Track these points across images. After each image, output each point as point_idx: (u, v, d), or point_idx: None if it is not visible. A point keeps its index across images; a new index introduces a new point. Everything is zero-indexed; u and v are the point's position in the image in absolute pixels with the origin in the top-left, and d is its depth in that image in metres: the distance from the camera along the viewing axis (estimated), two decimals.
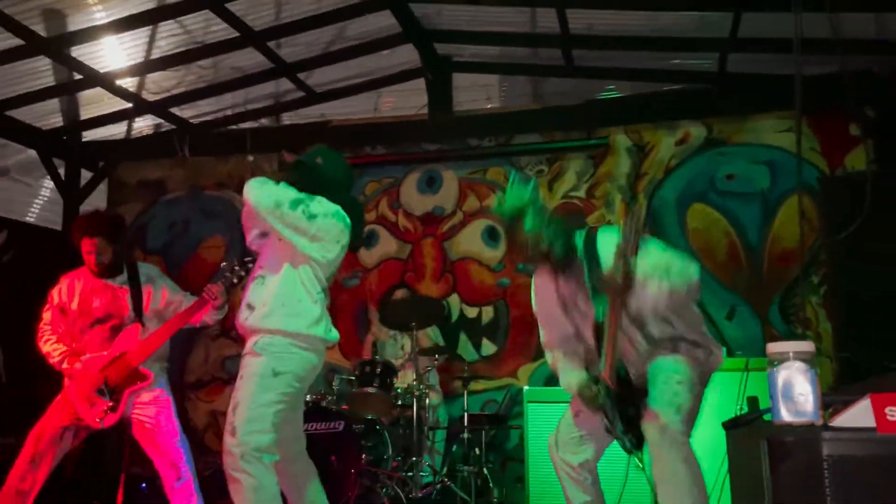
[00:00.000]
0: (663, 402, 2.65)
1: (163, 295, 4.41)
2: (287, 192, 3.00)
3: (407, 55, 6.09)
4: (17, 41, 5.17)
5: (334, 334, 3.09)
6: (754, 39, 5.50)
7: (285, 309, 2.95)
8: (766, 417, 2.21)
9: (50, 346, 4.38)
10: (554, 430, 2.99)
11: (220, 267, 3.92)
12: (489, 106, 6.61)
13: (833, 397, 1.90)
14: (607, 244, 2.76)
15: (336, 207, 3.10)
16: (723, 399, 4.02)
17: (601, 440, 2.89)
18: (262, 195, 2.99)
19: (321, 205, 3.03)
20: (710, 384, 3.70)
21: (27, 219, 6.77)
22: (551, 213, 2.94)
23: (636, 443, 2.76)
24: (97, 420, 4.20)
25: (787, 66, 5.73)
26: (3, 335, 5.96)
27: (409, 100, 6.48)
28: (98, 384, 4.23)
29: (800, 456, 1.71)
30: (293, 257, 3.01)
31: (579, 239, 2.90)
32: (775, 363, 1.86)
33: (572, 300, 2.92)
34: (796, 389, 1.81)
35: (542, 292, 3.07)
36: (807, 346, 1.86)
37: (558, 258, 2.86)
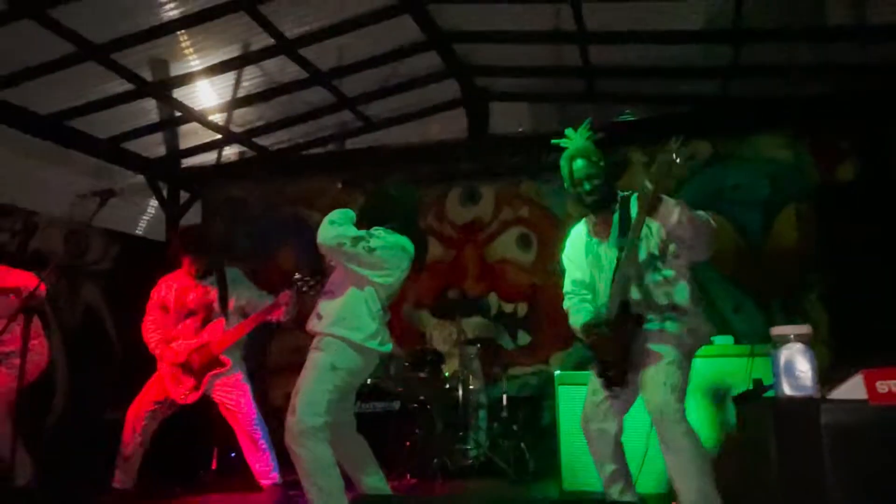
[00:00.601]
0: (656, 383, 2.58)
1: (244, 295, 4.51)
2: (348, 231, 2.98)
3: (450, 88, 6.12)
4: (130, 86, 5.30)
5: (387, 347, 3.10)
6: (753, 66, 5.42)
7: (346, 322, 2.98)
8: (770, 394, 2.17)
9: (149, 336, 4.52)
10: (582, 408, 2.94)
11: (294, 277, 3.86)
12: (520, 129, 6.59)
13: (829, 374, 1.85)
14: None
15: (396, 238, 3.08)
16: (732, 380, 3.98)
17: (620, 414, 2.82)
18: (327, 235, 2.98)
19: (380, 238, 3.03)
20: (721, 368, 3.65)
21: (136, 232, 6.94)
22: (602, 162, 2.85)
23: (619, 382, 2.68)
24: (182, 396, 4.31)
25: (782, 89, 5.67)
26: (119, 327, 6.12)
27: (452, 125, 6.49)
28: (184, 366, 4.34)
29: (801, 424, 1.68)
30: (358, 280, 3.03)
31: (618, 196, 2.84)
32: (778, 344, 1.83)
33: (595, 252, 2.87)
34: (797, 367, 1.78)
35: (574, 240, 3.02)
36: (805, 328, 1.83)
37: (596, 200, 2.82)
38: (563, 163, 2.88)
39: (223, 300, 4.44)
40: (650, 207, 2.54)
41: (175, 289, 4.53)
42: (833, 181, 5.63)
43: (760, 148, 5.88)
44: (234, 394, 4.38)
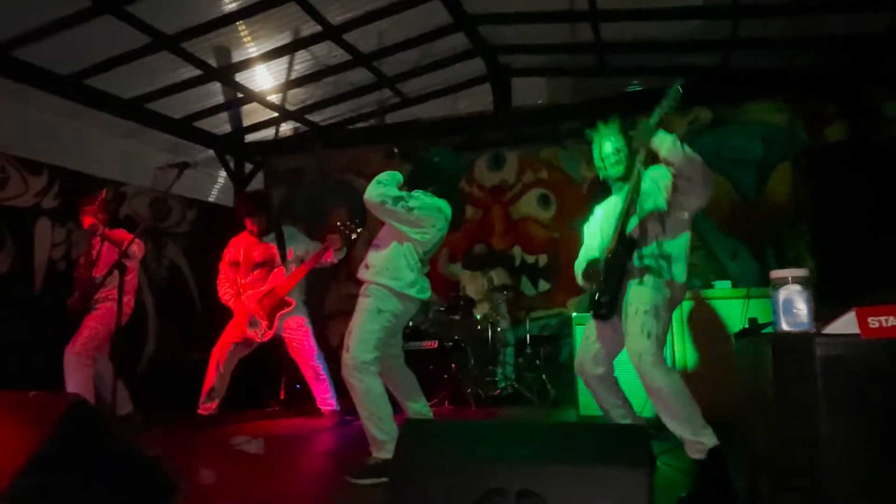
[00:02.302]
0: (635, 332, 2.49)
1: (301, 246, 4.57)
2: (391, 191, 2.94)
3: (476, 66, 5.98)
4: (198, 72, 5.30)
5: (425, 294, 3.06)
6: (750, 39, 5.19)
7: (389, 272, 2.96)
8: (767, 331, 2.11)
9: (223, 291, 4.61)
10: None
11: (337, 224, 4.10)
12: (539, 101, 6.46)
13: (823, 311, 1.78)
14: (651, 174, 2.66)
15: (434, 200, 3.03)
16: (730, 320, 3.92)
17: (609, 358, 2.76)
18: (372, 193, 2.94)
19: (419, 199, 2.98)
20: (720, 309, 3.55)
21: (209, 199, 7.01)
22: (627, 149, 2.73)
23: (609, 306, 2.61)
24: (259, 335, 4.40)
25: (777, 61, 5.44)
26: (198, 280, 6.24)
27: (479, 99, 6.38)
28: (256, 311, 4.43)
29: (798, 357, 1.62)
30: (399, 236, 3.00)
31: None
32: (777, 286, 1.76)
33: (609, 219, 2.79)
34: (794, 305, 1.71)
35: (595, 215, 2.97)
36: (803, 271, 1.75)
37: (619, 178, 2.75)
38: (594, 147, 2.80)
39: (282, 252, 4.51)
40: (645, 137, 2.48)
41: (243, 247, 4.59)
42: (821, 142, 5.44)
43: (756, 113, 5.70)
44: (299, 332, 4.50)
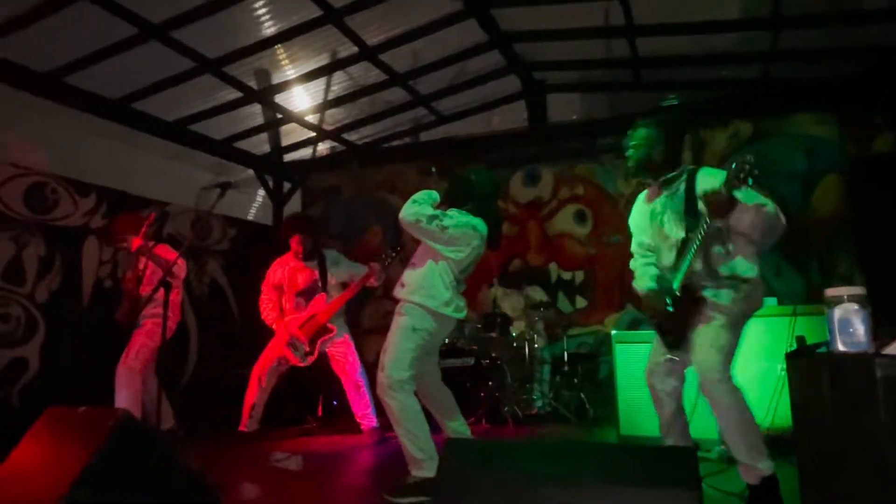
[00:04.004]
0: (704, 345, 2.41)
1: (342, 271, 4.64)
2: (425, 209, 2.95)
3: (511, 83, 5.98)
4: (239, 94, 5.42)
5: (460, 314, 3.04)
6: (791, 50, 5.08)
7: (424, 291, 2.96)
8: (821, 350, 2.03)
9: (266, 313, 4.69)
10: (646, 362, 2.77)
11: (380, 251, 4.31)
12: (574, 117, 6.41)
13: (880, 330, 1.71)
14: (706, 180, 2.52)
15: (469, 219, 3.02)
16: (775, 338, 3.79)
17: (681, 370, 2.66)
18: (407, 213, 2.96)
19: (453, 218, 2.98)
20: (764, 327, 3.45)
21: (248, 217, 7.14)
22: (662, 147, 2.65)
23: (679, 345, 2.53)
24: (300, 361, 4.47)
25: (820, 71, 5.31)
26: (237, 296, 6.33)
27: (514, 116, 6.36)
28: (297, 336, 4.49)
29: (856, 378, 1.55)
30: (434, 254, 3.00)
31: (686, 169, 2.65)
32: (832, 304, 1.69)
33: (659, 219, 2.68)
34: (851, 324, 1.65)
35: (640, 207, 2.84)
36: (859, 289, 1.68)
37: (664, 181, 2.64)
38: (630, 152, 2.71)
39: (324, 279, 4.58)
40: (722, 210, 2.32)
41: (287, 272, 4.68)
42: (868, 153, 5.28)
43: (799, 125, 5.56)
44: (342, 348, 4.58)
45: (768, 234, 2.36)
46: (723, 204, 2.30)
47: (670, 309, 2.56)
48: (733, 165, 2.19)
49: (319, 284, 4.59)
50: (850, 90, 5.32)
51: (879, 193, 4.84)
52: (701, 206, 2.46)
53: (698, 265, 2.51)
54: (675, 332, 2.54)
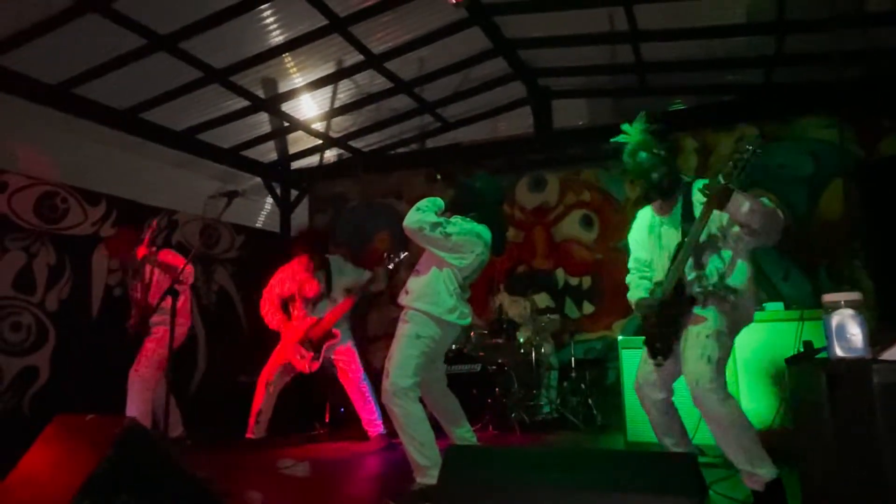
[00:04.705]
0: (694, 356, 2.40)
1: (346, 278, 4.69)
2: (428, 217, 2.97)
3: (516, 89, 6.02)
4: (246, 103, 5.48)
5: (465, 321, 3.05)
6: (796, 55, 5.08)
7: (427, 298, 2.98)
8: (822, 355, 2.03)
9: (270, 314, 4.73)
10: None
11: (383, 256, 4.34)
12: (580, 123, 6.43)
13: (875, 337, 1.71)
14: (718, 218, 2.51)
15: (472, 226, 3.04)
16: (783, 343, 3.78)
17: (669, 382, 2.65)
18: (410, 220, 2.97)
19: (456, 225, 3.00)
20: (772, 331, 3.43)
21: (256, 225, 7.20)
22: (663, 151, 2.61)
23: (665, 353, 2.53)
24: (306, 367, 4.50)
25: (825, 74, 5.29)
26: (245, 304, 6.36)
27: (519, 122, 6.40)
28: (303, 342, 4.53)
29: (853, 384, 1.56)
30: (438, 262, 3.03)
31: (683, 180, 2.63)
32: (829, 310, 1.71)
33: (658, 231, 2.69)
34: (848, 330, 1.66)
35: (640, 223, 2.84)
36: (856, 295, 1.69)
37: (663, 189, 2.60)
38: (626, 158, 2.66)
39: (329, 286, 4.62)
40: (720, 200, 2.31)
41: (296, 282, 4.73)
42: (876, 156, 5.25)
43: (804, 129, 5.54)
44: (346, 355, 4.61)
45: (769, 224, 2.32)
46: (720, 192, 2.31)
47: (657, 310, 2.57)
48: (734, 154, 2.24)
49: (324, 291, 4.64)
50: (856, 93, 5.30)
51: (887, 197, 4.81)
52: (697, 206, 2.47)
53: (691, 274, 2.50)
54: (662, 339, 2.54)
